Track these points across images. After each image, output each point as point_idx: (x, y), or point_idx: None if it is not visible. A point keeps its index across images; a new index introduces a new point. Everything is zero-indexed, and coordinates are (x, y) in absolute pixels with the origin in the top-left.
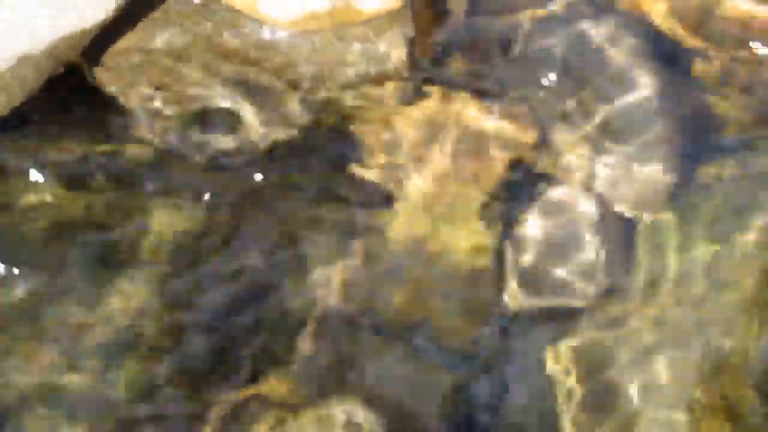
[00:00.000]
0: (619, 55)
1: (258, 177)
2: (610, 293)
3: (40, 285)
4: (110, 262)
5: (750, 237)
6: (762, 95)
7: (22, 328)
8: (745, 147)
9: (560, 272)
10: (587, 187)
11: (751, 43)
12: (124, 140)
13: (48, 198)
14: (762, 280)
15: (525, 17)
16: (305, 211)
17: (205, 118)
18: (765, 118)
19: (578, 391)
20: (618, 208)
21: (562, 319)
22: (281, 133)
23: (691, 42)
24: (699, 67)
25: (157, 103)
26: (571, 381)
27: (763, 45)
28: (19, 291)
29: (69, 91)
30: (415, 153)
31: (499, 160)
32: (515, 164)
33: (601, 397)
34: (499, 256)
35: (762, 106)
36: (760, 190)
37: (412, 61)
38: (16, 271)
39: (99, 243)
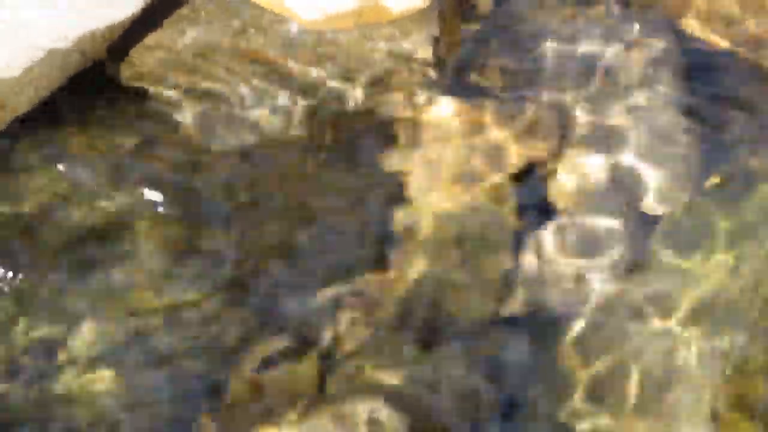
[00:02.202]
0: (646, 58)
1: (279, 169)
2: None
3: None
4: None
5: None
6: None
7: None
8: None
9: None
10: (607, 188)
11: None
12: (148, 136)
13: (69, 191)
14: None
15: (553, 18)
16: (322, 203)
17: (229, 114)
18: None
19: (598, 385)
20: (641, 208)
21: (577, 317)
22: (302, 130)
23: (722, 46)
24: (727, 70)
25: (182, 100)
26: (590, 372)
27: None
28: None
29: (95, 87)
30: (433, 154)
31: (517, 162)
32: (533, 167)
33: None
34: (516, 258)
35: None
36: None
37: (438, 61)
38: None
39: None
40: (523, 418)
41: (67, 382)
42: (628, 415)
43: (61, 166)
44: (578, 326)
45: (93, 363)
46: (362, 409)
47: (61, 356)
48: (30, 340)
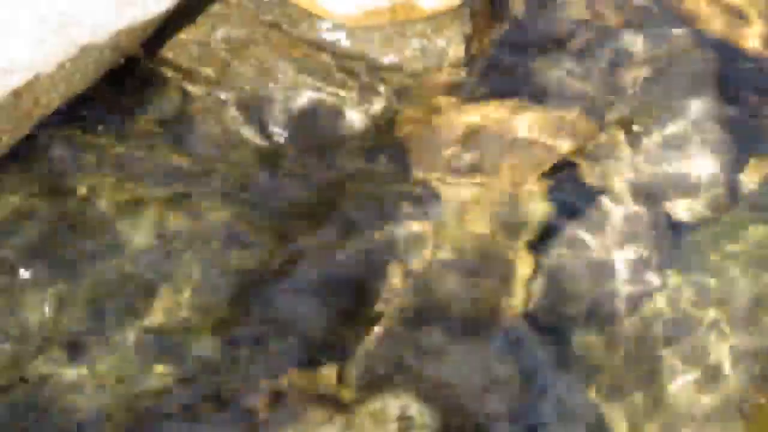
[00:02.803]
0: (677, 60)
1: (308, 163)
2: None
3: None
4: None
5: None
6: None
7: None
8: None
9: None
10: (635, 189)
11: None
12: (180, 132)
13: (102, 185)
14: None
15: (583, 18)
16: (349, 200)
17: (260, 108)
18: None
19: (628, 381)
20: (668, 210)
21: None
22: (334, 125)
23: (752, 51)
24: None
25: (215, 95)
26: (619, 364)
27: None
28: None
29: (129, 82)
30: (464, 152)
31: (547, 160)
32: (563, 166)
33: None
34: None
35: None
36: None
37: (469, 59)
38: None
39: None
40: (550, 408)
41: None
42: (653, 405)
43: (90, 157)
44: (604, 317)
45: None
46: (393, 405)
47: None
48: None
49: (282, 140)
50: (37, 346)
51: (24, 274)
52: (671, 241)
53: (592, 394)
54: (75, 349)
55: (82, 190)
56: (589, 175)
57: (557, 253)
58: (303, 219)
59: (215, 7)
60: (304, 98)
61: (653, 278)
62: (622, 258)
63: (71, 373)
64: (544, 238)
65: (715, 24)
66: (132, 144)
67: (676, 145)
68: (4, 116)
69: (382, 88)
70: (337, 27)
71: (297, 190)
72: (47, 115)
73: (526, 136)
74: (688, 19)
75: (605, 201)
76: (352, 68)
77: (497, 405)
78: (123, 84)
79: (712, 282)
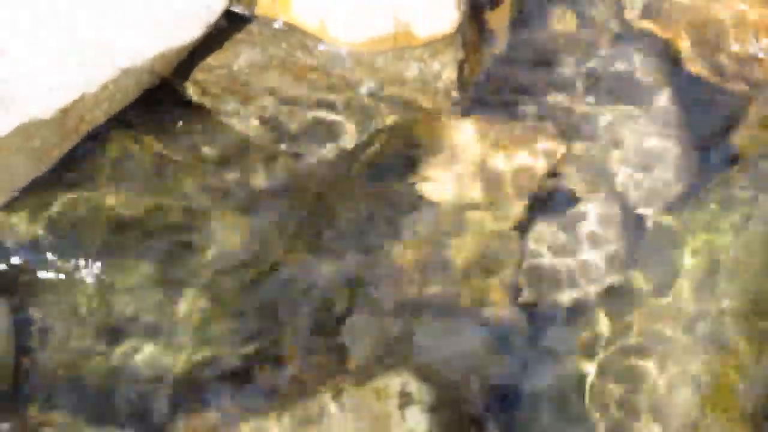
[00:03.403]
0: (646, 77)
1: (324, 176)
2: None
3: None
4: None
5: (752, 235)
6: None
7: None
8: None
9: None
10: (608, 192)
11: None
12: (209, 146)
13: (135, 196)
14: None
15: (562, 43)
16: (355, 210)
17: (278, 124)
18: None
19: (602, 370)
20: (635, 209)
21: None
22: (340, 137)
23: (706, 73)
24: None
25: (239, 112)
26: (593, 363)
27: None
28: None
29: (163, 102)
30: (457, 164)
31: (528, 167)
32: (544, 173)
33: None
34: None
35: None
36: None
37: (461, 81)
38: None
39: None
40: (535, 391)
41: None
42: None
43: (128, 170)
44: (586, 308)
45: None
46: (395, 383)
47: None
48: None
49: (294, 150)
50: None
51: None
52: (638, 238)
53: (572, 366)
54: None
55: (115, 198)
56: (567, 180)
57: (538, 249)
58: (315, 217)
59: (238, 36)
60: (314, 114)
61: (621, 271)
62: (594, 252)
63: None
64: (526, 230)
65: (681, 44)
66: (163, 155)
67: (641, 153)
68: (53, 131)
69: (382, 106)
70: (345, 53)
71: (306, 195)
72: (91, 130)
73: (508, 147)
74: (653, 38)
75: (580, 201)
76: (358, 88)
77: (484, 382)
78: (157, 103)
79: (670, 274)
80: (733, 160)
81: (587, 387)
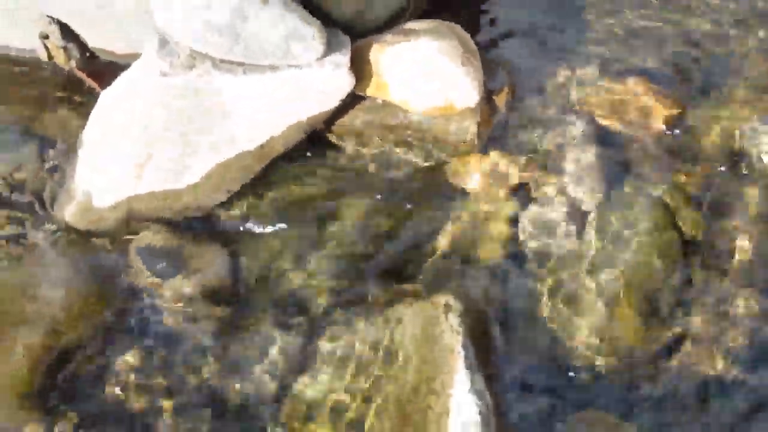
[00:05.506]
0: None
1: (405, 184)
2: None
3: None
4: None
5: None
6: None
7: None
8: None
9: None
10: (561, 200)
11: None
12: (344, 171)
13: (304, 189)
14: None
15: (542, 110)
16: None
17: (381, 161)
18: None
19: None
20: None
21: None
22: (415, 165)
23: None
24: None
25: (361, 152)
26: (546, 285)
27: None
28: None
29: (316, 145)
30: (477, 173)
31: (517, 183)
32: (527, 185)
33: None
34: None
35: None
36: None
37: (479, 134)
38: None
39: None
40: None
41: None
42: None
43: (298, 185)
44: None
45: None
46: (441, 299)
47: None
48: None
49: (388, 169)
50: None
51: None
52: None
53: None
54: None
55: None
56: (542, 187)
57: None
58: (402, 204)
59: (358, 106)
60: (398, 150)
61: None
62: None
63: None
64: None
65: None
66: (318, 164)
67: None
68: (255, 158)
69: (437, 147)
70: (415, 116)
71: (396, 193)
72: (275, 155)
73: (509, 170)
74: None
75: (552, 198)
76: (421, 138)
77: (493, 301)
78: (313, 145)
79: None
80: None
81: (543, 305)
